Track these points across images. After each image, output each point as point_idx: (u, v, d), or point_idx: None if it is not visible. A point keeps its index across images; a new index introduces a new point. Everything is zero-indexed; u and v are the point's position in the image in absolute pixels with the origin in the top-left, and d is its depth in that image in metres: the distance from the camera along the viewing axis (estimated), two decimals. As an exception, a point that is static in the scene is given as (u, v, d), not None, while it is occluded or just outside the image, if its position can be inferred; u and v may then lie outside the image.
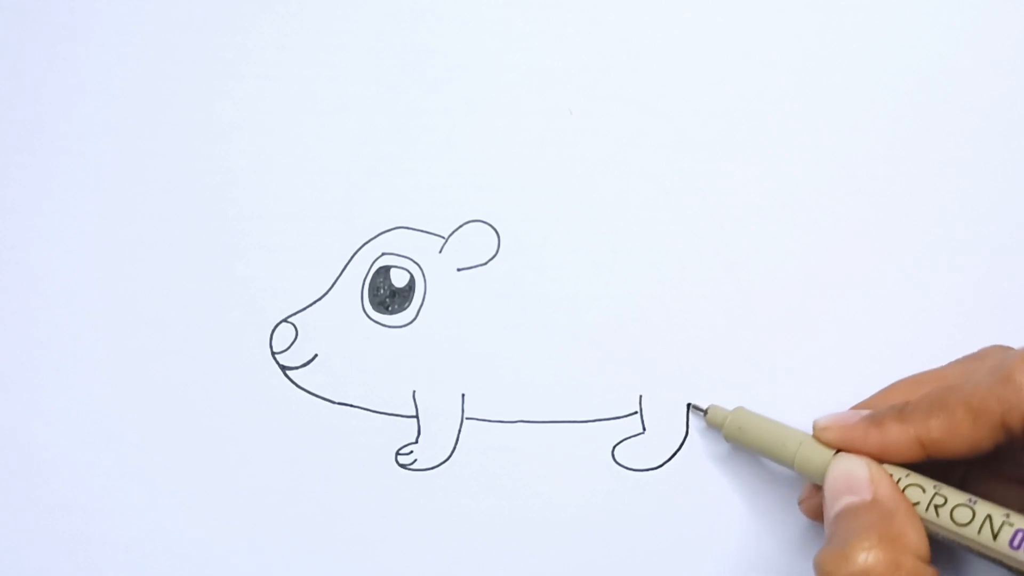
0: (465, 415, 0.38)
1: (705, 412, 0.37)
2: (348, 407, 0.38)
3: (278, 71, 0.41)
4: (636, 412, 0.38)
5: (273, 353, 0.38)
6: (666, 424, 0.38)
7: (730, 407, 0.36)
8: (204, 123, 0.40)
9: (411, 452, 0.38)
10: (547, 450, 0.38)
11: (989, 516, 0.29)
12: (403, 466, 0.38)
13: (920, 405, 0.31)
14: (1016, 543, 0.28)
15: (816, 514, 0.35)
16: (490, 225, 0.39)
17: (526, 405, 0.38)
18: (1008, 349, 0.34)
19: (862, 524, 0.29)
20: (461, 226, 0.39)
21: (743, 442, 0.35)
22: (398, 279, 0.39)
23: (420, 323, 0.39)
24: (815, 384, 0.38)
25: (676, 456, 0.37)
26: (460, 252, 0.39)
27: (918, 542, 0.29)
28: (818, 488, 0.34)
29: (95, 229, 0.40)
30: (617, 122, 0.40)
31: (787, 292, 0.38)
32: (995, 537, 0.28)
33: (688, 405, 0.37)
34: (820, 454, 0.33)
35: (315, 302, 0.39)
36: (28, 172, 0.40)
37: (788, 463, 0.34)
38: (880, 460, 0.32)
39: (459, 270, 0.39)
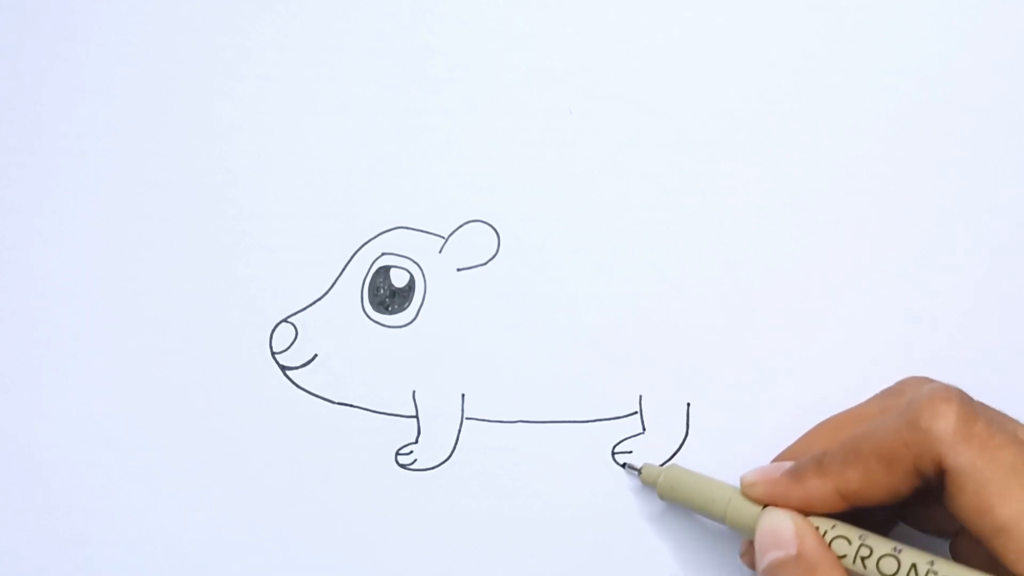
0: (465, 415, 0.38)
1: (639, 471, 0.36)
2: (348, 407, 0.38)
3: (278, 71, 0.40)
4: (636, 412, 0.38)
5: (273, 353, 0.38)
6: (666, 424, 0.38)
7: (659, 465, 0.36)
8: (204, 123, 0.40)
9: (411, 452, 0.38)
10: (547, 450, 0.38)
11: (914, 565, 0.29)
12: (403, 466, 0.38)
13: (836, 455, 0.31)
14: None
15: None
16: (490, 225, 0.39)
17: (526, 405, 0.38)
18: (924, 383, 0.33)
19: None
20: (461, 226, 0.39)
21: (676, 499, 0.35)
22: (398, 279, 0.39)
23: (420, 323, 0.39)
24: (815, 384, 0.38)
25: (676, 456, 0.37)
26: (460, 252, 0.39)
27: None
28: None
29: (95, 229, 0.40)
30: (617, 122, 0.40)
31: (787, 292, 0.38)
32: None
33: (624, 464, 0.37)
34: (749, 510, 0.33)
35: (315, 302, 0.39)
36: (28, 172, 0.40)
37: (720, 520, 0.33)
38: (806, 513, 0.31)
39: (459, 270, 0.39)
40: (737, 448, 0.37)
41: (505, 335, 0.38)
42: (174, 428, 0.38)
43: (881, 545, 0.30)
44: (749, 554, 0.34)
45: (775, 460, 0.35)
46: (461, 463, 0.38)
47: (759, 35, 0.40)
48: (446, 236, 0.39)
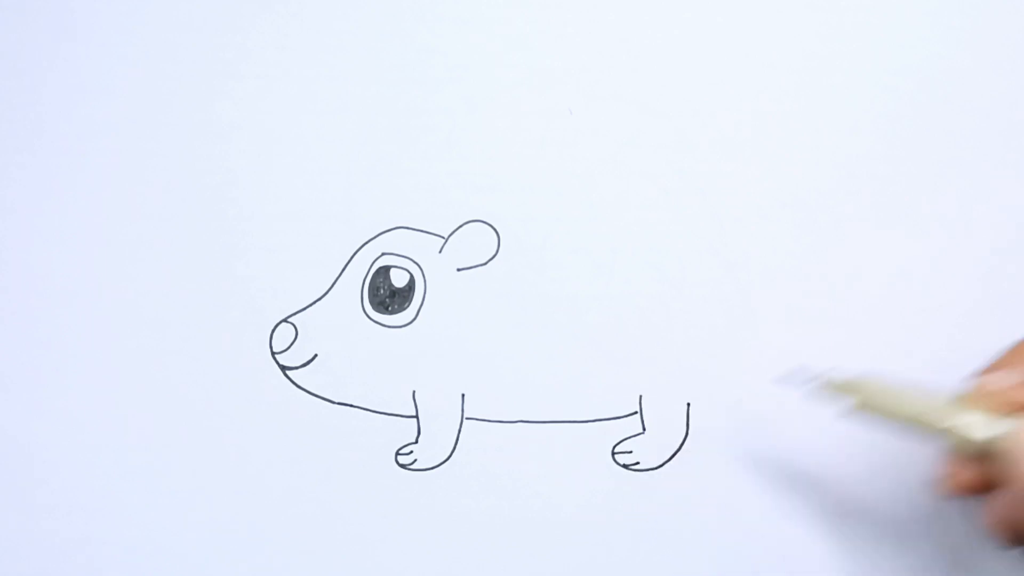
0: (465, 415, 0.38)
1: (822, 384, 0.34)
2: (348, 407, 0.38)
3: (278, 71, 0.40)
4: (636, 412, 0.38)
5: (273, 353, 0.38)
6: (666, 424, 0.38)
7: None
8: (204, 123, 0.40)
9: (411, 452, 0.38)
10: (547, 450, 0.38)
11: None
12: (403, 466, 0.38)
13: None
14: None
15: (970, 488, 0.31)
16: (490, 225, 0.39)
17: (526, 405, 0.38)
18: None
19: None
20: (461, 226, 0.39)
21: (880, 412, 0.32)
22: (398, 279, 0.39)
23: (420, 323, 0.39)
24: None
25: (676, 456, 0.37)
26: (460, 252, 0.39)
27: None
28: (973, 461, 0.31)
29: (95, 229, 0.40)
30: (617, 122, 0.40)
31: (787, 292, 0.38)
32: None
33: (795, 384, 0.35)
34: (986, 420, 0.30)
35: (315, 302, 0.39)
36: (28, 172, 0.40)
37: (936, 432, 0.31)
38: None
39: (459, 270, 0.39)
40: (737, 448, 0.37)
41: (505, 335, 0.38)
42: (174, 428, 0.38)
43: None
44: (965, 472, 0.31)
45: (985, 373, 0.32)
46: (461, 463, 0.38)
47: (759, 35, 0.40)
48: (446, 236, 0.39)
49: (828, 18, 0.40)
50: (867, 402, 0.32)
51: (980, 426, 0.30)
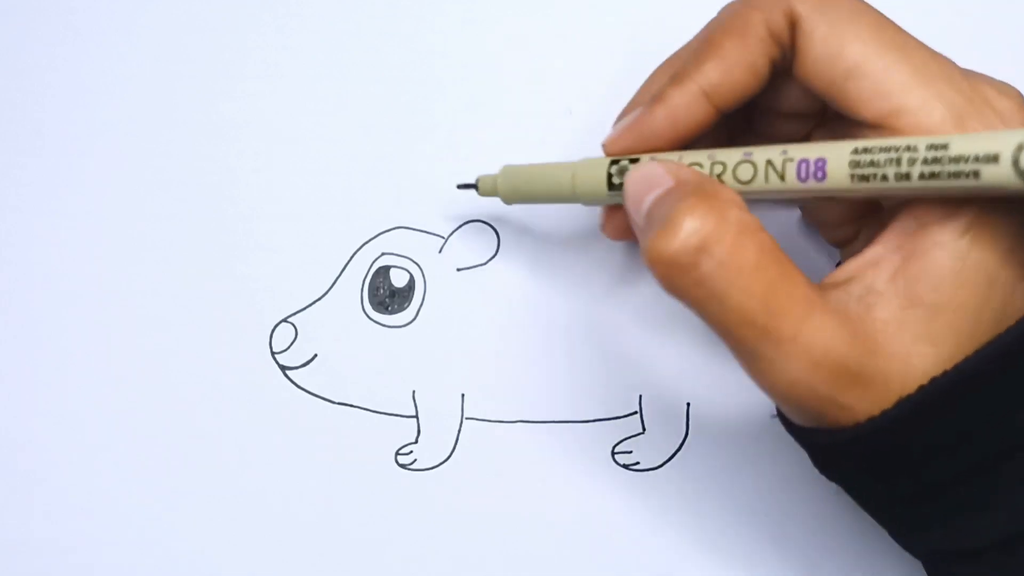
0: (465, 415, 0.38)
1: (476, 186, 0.36)
2: (348, 407, 0.38)
3: (278, 71, 0.41)
4: (636, 412, 0.38)
5: (273, 353, 0.38)
6: (666, 424, 0.38)
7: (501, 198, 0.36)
8: (204, 123, 0.40)
9: (411, 452, 0.38)
10: (547, 450, 0.38)
11: (769, 161, 0.28)
12: (403, 466, 0.38)
13: (687, 58, 0.31)
14: (803, 175, 0.28)
15: (622, 233, 0.35)
16: (490, 225, 0.39)
17: (526, 405, 0.38)
18: None
19: (675, 199, 0.28)
20: (461, 226, 0.39)
21: (521, 197, 0.35)
22: (398, 279, 0.39)
23: (420, 323, 0.39)
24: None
25: (676, 456, 0.37)
26: (460, 252, 0.39)
27: (733, 196, 0.28)
28: (612, 210, 0.34)
29: (95, 229, 0.40)
30: (617, 122, 0.40)
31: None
32: (783, 178, 0.28)
33: (457, 186, 0.37)
34: (597, 173, 0.31)
35: (315, 302, 0.39)
36: (28, 172, 0.40)
37: (571, 197, 0.32)
38: (672, 139, 0.31)
39: (459, 270, 0.39)
40: (737, 448, 0.37)
41: (505, 335, 0.38)
42: (174, 428, 0.38)
43: (731, 155, 0.29)
44: (611, 222, 0.34)
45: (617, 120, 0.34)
46: (461, 463, 0.38)
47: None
48: (446, 236, 0.39)
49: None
50: (509, 195, 0.35)
51: (592, 181, 0.32)
